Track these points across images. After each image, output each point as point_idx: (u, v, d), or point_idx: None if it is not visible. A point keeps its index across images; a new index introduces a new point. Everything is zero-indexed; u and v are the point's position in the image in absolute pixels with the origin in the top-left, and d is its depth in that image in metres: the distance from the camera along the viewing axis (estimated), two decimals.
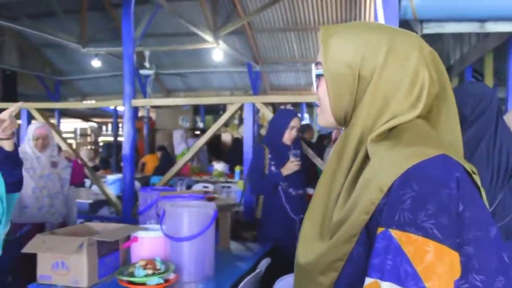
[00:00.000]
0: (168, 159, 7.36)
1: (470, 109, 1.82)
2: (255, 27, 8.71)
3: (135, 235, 2.08)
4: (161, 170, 6.31)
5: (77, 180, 3.65)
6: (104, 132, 13.66)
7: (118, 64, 8.82)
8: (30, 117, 4.22)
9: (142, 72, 8.55)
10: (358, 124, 0.81)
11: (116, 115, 10.88)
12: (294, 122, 2.94)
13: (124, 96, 4.09)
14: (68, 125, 13.11)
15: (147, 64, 8.36)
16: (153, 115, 10.71)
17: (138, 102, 4.50)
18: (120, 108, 5.41)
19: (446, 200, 0.67)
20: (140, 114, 10.16)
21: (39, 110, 4.22)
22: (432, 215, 0.66)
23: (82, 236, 1.93)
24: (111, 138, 11.61)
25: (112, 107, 10.23)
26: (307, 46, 9.08)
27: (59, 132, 4.47)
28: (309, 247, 0.83)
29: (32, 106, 4.22)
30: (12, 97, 8.80)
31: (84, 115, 13.05)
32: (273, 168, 2.90)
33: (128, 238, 2.11)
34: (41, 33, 7.28)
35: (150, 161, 7.92)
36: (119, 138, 10.27)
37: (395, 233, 0.67)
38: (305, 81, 10.19)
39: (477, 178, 0.73)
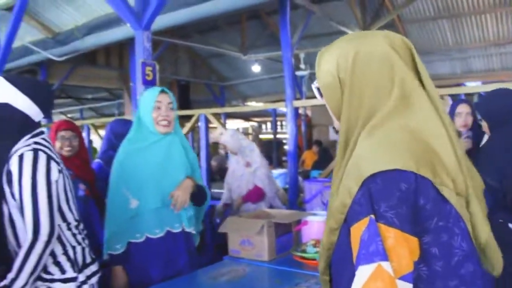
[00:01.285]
0: (325, 153, 7.70)
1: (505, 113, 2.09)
2: (405, 19, 8.52)
3: (305, 219, 2.41)
4: (319, 164, 6.69)
5: None
6: (264, 130, 14.63)
7: (275, 66, 9.52)
8: (207, 121, 4.92)
9: (298, 73, 8.98)
10: (343, 121, 0.94)
11: (275, 114, 11.54)
12: (460, 109, 2.85)
13: (286, 98, 4.53)
14: (232, 125, 14.35)
15: (302, 66, 8.75)
16: (308, 112, 11.15)
17: (298, 103, 4.91)
18: (282, 108, 5.87)
19: (405, 194, 0.79)
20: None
21: (214, 114, 4.90)
22: (392, 206, 0.78)
23: (262, 219, 2.33)
24: (270, 136, 12.36)
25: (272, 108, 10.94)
26: (461, 32, 8.52)
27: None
28: None
29: (208, 111, 4.92)
30: (186, 104, 10.07)
31: (246, 116, 14.11)
32: None
33: (298, 222, 2.45)
34: (208, 46, 8.26)
35: (309, 157, 8.37)
36: (278, 136, 10.91)
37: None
38: (461, 69, 9.59)
39: (441, 187, 0.82)
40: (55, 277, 1.69)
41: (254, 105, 11.68)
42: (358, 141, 0.89)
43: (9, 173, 1.61)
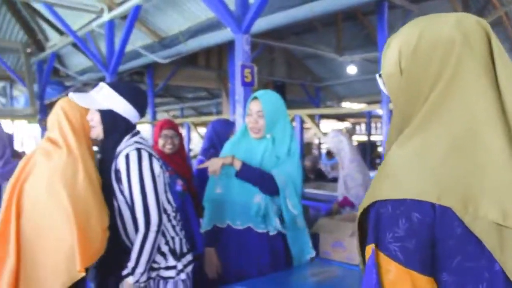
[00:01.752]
0: None
1: None
2: None
3: None
4: None
5: None
6: (357, 132, 14.39)
7: (371, 67, 9.32)
8: (301, 121, 4.99)
9: None
10: (395, 112, 0.83)
11: (369, 115, 11.31)
12: None
13: (381, 100, 4.45)
14: (326, 126, 14.30)
15: None
16: None
17: None
18: (378, 110, 5.78)
19: (416, 225, 0.68)
20: None
21: (308, 115, 4.96)
22: (398, 238, 0.69)
23: (352, 222, 2.34)
24: (364, 138, 12.13)
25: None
26: None
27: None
28: None
29: (303, 112, 4.99)
30: None
31: (340, 116, 13.99)
32: None
33: None
34: (304, 47, 8.32)
35: None
36: (372, 138, 10.68)
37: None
38: None
39: (473, 220, 0.66)
40: (161, 265, 1.86)
41: (349, 107, 11.53)
42: (393, 145, 0.78)
43: (117, 172, 1.80)
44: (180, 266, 1.90)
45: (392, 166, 0.74)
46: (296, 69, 11.32)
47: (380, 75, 0.89)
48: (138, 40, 7.04)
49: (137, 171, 1.76)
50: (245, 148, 2.27)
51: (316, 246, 2.41)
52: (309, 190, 5.14)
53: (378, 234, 0.72)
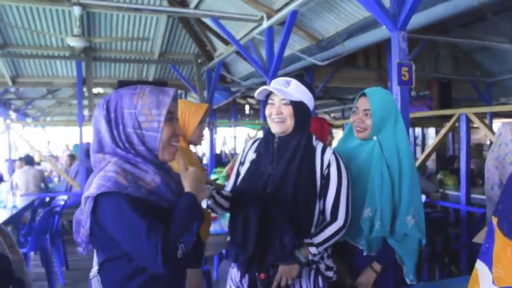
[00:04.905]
0: None
1: None
2: None
3: None
4: None
5: None
6: None
7: None
8: (468, 121, 4.59)
9: None
10: None
11: None
12: None
13: None
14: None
15: None
16: None
17: None
18: None
19: None
20: None
21: (476, 114, 4.53)
22: None
23: None
24: None
25: None
26: None
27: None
28: None
29: (469, 110, 4.58)
30: (446, 103, 9.55)
31: None
32: None
33: None
34: (472, 40, 7.63)
35: None
36: None
37: None
38: None
39: None
40: (326, 262, 1.97)
41: None
42: None
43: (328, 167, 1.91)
44: (335, 268, 1.97)
45: None
46: (463, 64, 10.44)
47: None
48: (296, 44, 7.27)
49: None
50: (352, 146, 2.17)
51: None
52: (476, 196, 4.71)
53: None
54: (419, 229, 1.98)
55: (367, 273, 2.05)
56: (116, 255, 1.40)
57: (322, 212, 1.90)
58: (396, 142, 2.04)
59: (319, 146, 1.93)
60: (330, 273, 1.93)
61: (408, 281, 2.01)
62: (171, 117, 1.45)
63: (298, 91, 1.87)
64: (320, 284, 1.91)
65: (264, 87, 1.90)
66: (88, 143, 10.08)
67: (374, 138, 2.08)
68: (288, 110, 1.85)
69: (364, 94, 2.10)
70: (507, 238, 0.69)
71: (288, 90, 1.86)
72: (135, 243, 1.29)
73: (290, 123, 1.87)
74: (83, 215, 1.36)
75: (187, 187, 1.45)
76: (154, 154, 1.43)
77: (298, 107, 1.86)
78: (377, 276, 2.03)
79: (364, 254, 2.03)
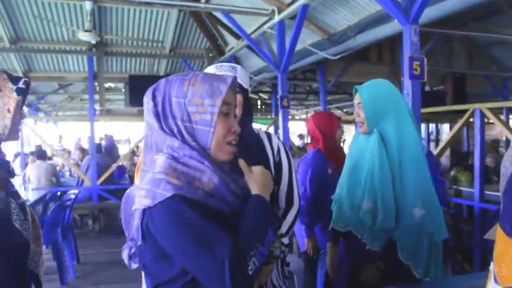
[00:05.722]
0: None
1: None
2: None
3: None
4: None
5: None
6: None
7: None
8: (482, 116, 4.50)
9: None
10: None
11: None
12: None
13: None
14: None
15: None
16: None
17: None
18: None
19: None
20: None
21: (491, 109, 4.44)
22: None
23: None
24: None
25: None
26: None
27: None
28: None
29: (483, 106, 4.50)
30: (461, 98, 9.40)
31: None
32: None
33: None
34: (487, 34, 7.48)
35: None
36: None
37: None
38: None
39: None
40: None
41: None
42: None
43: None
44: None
45: None
46: (478, 58, 10.26)
47: None
48: (308, 38, 7.20)
49: None
50: (360, 139, 2.15)
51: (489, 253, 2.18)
52: (491, 193, 4.61)
53: None
54: (431, 221, 1.88)
55: (370, 270, 1.99)
56: (167, 278, 1.15)
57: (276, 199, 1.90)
58: (399, 134, 1.96)
59: (261, 133, 1.97)
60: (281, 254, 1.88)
61: (417, 276, 1.94)
62: (228, 109, 1.20)
63: (244, 77, 1.86)
64: (286, 274, 1.92)
65: (210, 67, 1.85)
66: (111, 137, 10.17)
67: (375, 130, 2.02)
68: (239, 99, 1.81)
69: (356, 90, 2.15)
70: (509, 237, 0.70)
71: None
72: (195, 257, 1.04)
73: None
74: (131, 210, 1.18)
75: (255, 188, 1.22)
76: (207, 152, 1.19)
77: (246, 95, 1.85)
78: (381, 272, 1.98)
79: (367, 247, 1.96)
